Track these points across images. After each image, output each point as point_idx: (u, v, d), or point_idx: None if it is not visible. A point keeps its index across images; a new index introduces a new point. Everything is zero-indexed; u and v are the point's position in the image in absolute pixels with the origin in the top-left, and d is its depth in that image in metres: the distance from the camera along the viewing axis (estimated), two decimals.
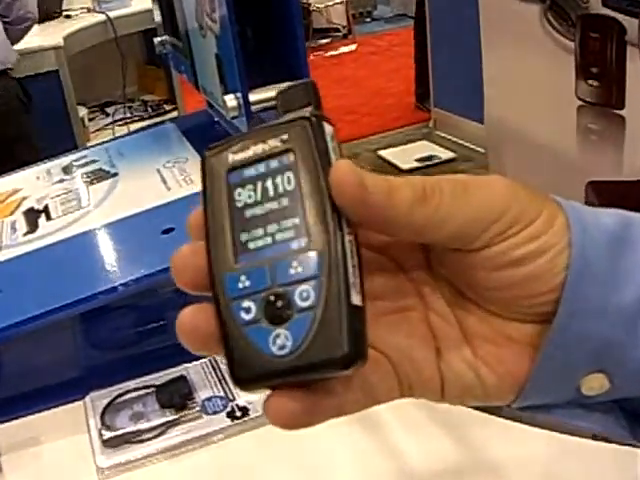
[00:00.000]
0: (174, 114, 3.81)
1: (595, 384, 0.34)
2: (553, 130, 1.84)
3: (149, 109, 3.91)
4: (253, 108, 0.87)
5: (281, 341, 0.30)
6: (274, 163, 0.33)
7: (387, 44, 6.61)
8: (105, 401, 0.88)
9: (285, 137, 0.33)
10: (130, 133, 3.42)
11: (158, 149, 1.29)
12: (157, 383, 0.89)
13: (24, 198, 1.23)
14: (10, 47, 2.68)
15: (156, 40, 1.32)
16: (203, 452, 0.82)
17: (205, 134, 1.31)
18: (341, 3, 6.91)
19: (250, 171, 0.33)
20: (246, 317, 0.31)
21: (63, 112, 3.20)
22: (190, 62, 1.13)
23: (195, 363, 0.92)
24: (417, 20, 4.57)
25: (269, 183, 0.32)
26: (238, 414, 0.84)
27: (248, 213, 0.33)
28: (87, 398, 0.89)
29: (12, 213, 1.18)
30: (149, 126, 3.49)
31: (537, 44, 1.77)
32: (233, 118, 0.88)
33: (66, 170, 1.30)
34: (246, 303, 0.31)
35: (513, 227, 0.32)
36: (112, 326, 1.00)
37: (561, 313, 0.33)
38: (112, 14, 3.53)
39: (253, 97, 0.87)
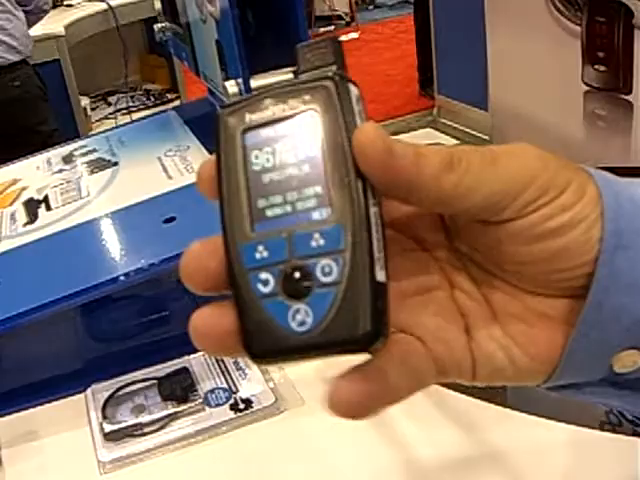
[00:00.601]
0: (176, 103, 3.79)
1: (628, 361, 0.33)
2: (559, 116, 1.82)
3: (151, 98, 3.89)
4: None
5: (301, 317, 0.29)
6: (295, 125, 0.30)
7: (390, 31, 6.58)
8: (106, 394, 0.87)
9: (307, 97, 0.31)
10: (132, 122, 3.41)
11: (159, 137, 1.27)
12: (159, 375, 0.88)
13: (24, 188, 1.21)
14: (30, 36, 2.71)
15: (156, 27, 1.30)
16: (206, 445, 0.80)
17: (207, 122, 1.29)
18: None
19: (269, 132, 0.31)
20: (264, 289, 0.30)
21: (65, 102, 3.18)
22: (191, 48, 1.11)
23: (197, 354, 0.90)
24: (417, 5, 4.54)
25: (289, 146, 0.30)
26: (241, 406, 0.82)
27: (266, 178, 0.30)
28: (88, 391, 0.88)
29: (12, 203, 1.17)
30: (152, 115, 3.50)
31: (543, 29, 1.75)
32: None
33: (66, 159, 1.29)
34: (264, 275, 0.30)
35: (543, 196, 0.31)
36: (113, 317, 0.99)
37: (595, 289, 0.31)
38: (113, 2, 3.52)
39: (254, 83, 0.85)
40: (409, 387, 0.32)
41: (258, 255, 0.30)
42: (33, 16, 2.75)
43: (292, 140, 0.30)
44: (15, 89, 2.58)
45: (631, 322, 0.32)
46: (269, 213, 0.30)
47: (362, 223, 0.29)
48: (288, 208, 0.30)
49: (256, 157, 0.31)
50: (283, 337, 0.29)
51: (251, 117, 0.31)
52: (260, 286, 0.30)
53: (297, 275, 0.29)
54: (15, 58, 2.57)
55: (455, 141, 3.86)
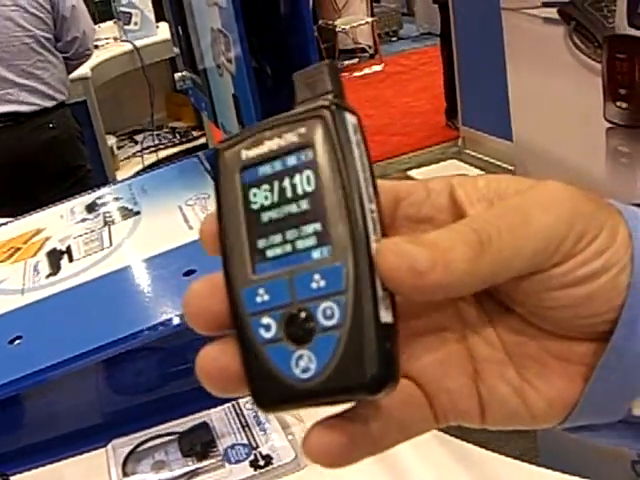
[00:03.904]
0: (202, 140, 3.83)
1: None
2: (582, 152, 1.81)
3: (177, 136, 3.93)
4: None
5: (304, 363, 0.28)
6: (291, 160, 0.29)
7: (414, 63, 6.61)
8: (127, 449, 0.87)
9: (302, 130, 0.30)
10: (159, 161, 3.46)
11: (180, 185, 1.28)
12: (179, 430, 0.88)
13: (47, 238, 1.23)
14: (67, 79, 2.78)
15: (177, 76, 1.32)
16: None
17: None
18: (367, 24, 6.92)
19: (265, 169, 0.30)
20: (266, 335, 0.29)
21: (92, 141, 3.22)
22: (209, 99, 1.13)
23: (218, 409, 0.90)
24: (442, 36, 4.57)
25: (286, 183, 0.29)
26: (261, 463, 0.82)
27: (265, 217, 0.30)
28: (109, 446, 0.88)
29: (35, 254, 1.18)
30: (178, 153, 3.53)
31: (563, 66, 1.75)
32: None
33: (89, 208, 1.30)
34: (265, 320, 0.29)
35: (578, 244, 0.30)
36: (134, 370, 0.99)
37: (618, 334, 0.30)
38: (138, 43, 3.57)
39: None
40: (395, 438, 0.31)
41: (259, 299, 0.29)
42: (74, 62, 2.80)
43: (289, 176, 0.30)
44: (51, 130, 2.62)
45: None
46: (269, 254, 0.29)
47: (364, 261, 0.28)
48: (288, 248, 0.29)
49: (254, 195, 0.30)
50: (288, 385, 0.28)
51: (247, 154, 0.31)
52: (262, 331, 0.29)
53: (299, 319, 0.28)
54: (49, 104, 2.62)
55: (479, 171, 3.85)
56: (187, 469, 0.82)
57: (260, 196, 0.30)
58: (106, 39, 3.70)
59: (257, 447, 0.84)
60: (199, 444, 0.85)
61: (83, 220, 1.26)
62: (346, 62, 6.86)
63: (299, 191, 0.29)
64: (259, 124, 0.31)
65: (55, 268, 1.11)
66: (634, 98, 1.55)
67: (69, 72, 2.82)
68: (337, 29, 6.74)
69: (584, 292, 0.30)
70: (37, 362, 0.88)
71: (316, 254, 0.29)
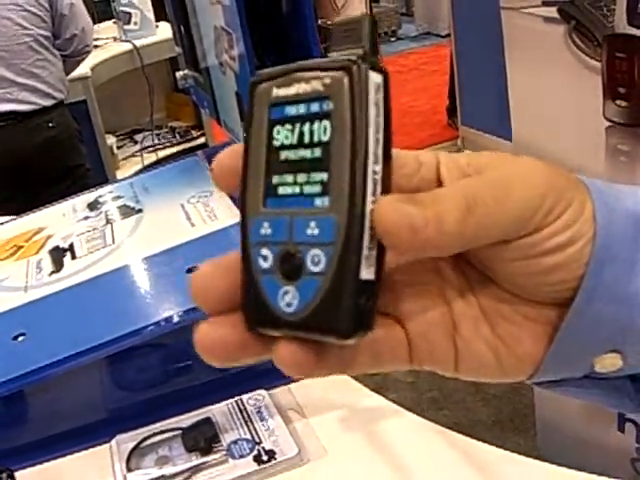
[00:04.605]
0: (202, 140, 3.83)
1: (608, 363, 0.35)
2: (581, 150, 1.82)
3: (177, 135, 3.93)
4: None
5: (289, 298, 0.30)
6: (314, 107, 0.31)
7: (413, 63, 6.61)
8: (131, 445, 0.87)
9: (327, 81, 0.31)
10: (158, 161, 3.46)
11: (182, 183, 1.29)
12: (183, 426, 0.88)
13: (49, 236, 1.23)
14: (66, 78, 2.77)
15: (178, 74, 1.32)
16: None
17: None
18: None
19: (291, 109, 0.31)
20: (263, 265, 0.31)
21: (92, 141, 3.22)
22: (211, 97, 1.13)
23: (221, 404, 0.91)
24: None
25: (306, 127, 0.31)
26: (265, 458, 0.82)
27: (283, 155, 0.31)
28: (113, 441, 0.89)
29: (38, 252, 1.19)
30: (177, 153, 3.53)
31: (563, 65, 1.75)
32: None
33: (91, 207, 1.31)
34: (264, 251, 0.31)
35: (548, 216, 0.32)
36: (137, 366, 1.00)
37: (579, 299, 0.33)
38: (138, 43, 3.57)
39: None
40: (367, 364, 0.34)
41: (263, 231, 0.31)
42: (72, 59, 2.80)
43: (309, 122, 0.31)
44: (50, 130, 2.62)
45: (613, 329, 0.33)
46: (280, 191, 0.31)
47: (356, 218, 0.30)
48: (296, 189, 0.31)
49: (278, 133, 0.32)
50: (272, 313, 0.31)
51: (278, 92, 0.32)
52: (260, 261, 0.31)
53: (291, 258, 0.31)
54: (48, 103, 2.62)
55: None
56: (191, 464, 0.83)
57: (282, 134, 0.31)
58: (106, 39, 3.69)
59: (260, 442, 0.84)
60: (202, 439, 0.86)
61: (85, 218, 1.26)
62: None
63: (315, 138, 0.31)
64: (293, 64, 0.32)
65: (58, 265, 1.11)
66: (633, 97, 1.55)
67: (69, 69, 2.83)
68: None
69: (552, 262, 0.32)
70: (41, 358, 0.88)
71: (318, 202, 0.30)
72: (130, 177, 1.45)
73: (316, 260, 0.30)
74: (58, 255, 1.15)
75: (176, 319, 0.88)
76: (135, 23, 3.65)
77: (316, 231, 0.30)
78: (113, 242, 1.13)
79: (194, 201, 1.18)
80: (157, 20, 3.66)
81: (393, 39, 7.60)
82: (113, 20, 3.79)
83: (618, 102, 1.59)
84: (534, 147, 1.93)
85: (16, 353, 0.92)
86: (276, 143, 0.32)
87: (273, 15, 0.92)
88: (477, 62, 3.80)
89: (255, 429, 0.86)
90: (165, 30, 3.53)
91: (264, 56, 0.92)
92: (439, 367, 0.36)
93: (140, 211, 1.21)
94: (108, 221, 1.22)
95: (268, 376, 0.96)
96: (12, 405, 0.92)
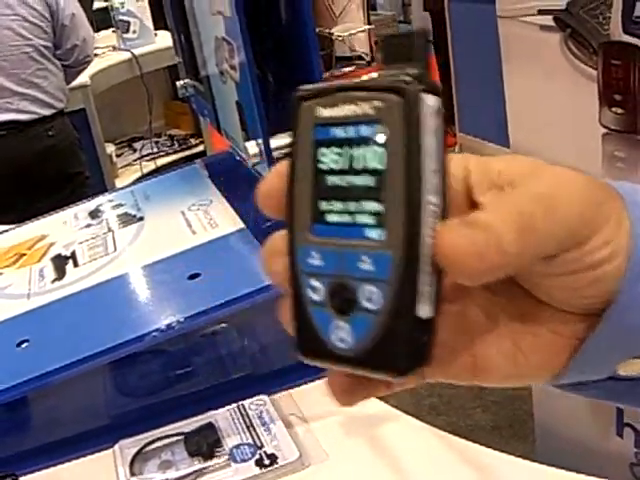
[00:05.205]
0: (200, 148, 3.84)
1: (633, 367, 0.35)
2: (578, 157, 1.83)
3: (176, 144, 3.95)
4: (275, 154, 0.88)
5: (341, 334, 0.30)
6: (364, 130, 0.29)
7: None
8: (134, 450, 0.88)
9: (379, 104, 0.29)
10: (157, 169, 3.47)
11: (183, 191, 1.30)
12: (185, 430, 0.89)
13: (51, 244, 1.24)
14: (66, 87, 2.79)
15: (179, 84, 1.33)
16: None
17: (230, 176, 1.32)
18: (363, 31, 6.94)
19: (338, 132, 0.30)
20: (313, 296, 0.31)
21: (91, 149, 3.23)
22: (212, 106, 1.14)
23: (223, 410, 0.92)
24: (435, 44, 4.59)
25: (356, 152, 0.29)
26: (267, 462, 0.83)
27: (330, 180, 0.30)
28: (116, 447, 0.89)
29: (40, 259, 1.20)
30: (176, 161, 3.54)
31: (559, 72, 1.77)
32: (254, 165, 0.89)
33: (93, 214, 1.32)
34: (315, 282, 0.30)
35: (588, 232, 0.31)
36: (140, 373, 1.01)
37: (612, 313, 0.33)
38: (137, 51, 3.58)
39: (274, 143, 0.88)
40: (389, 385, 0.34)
41: (312, 261, 0.31)
42: (74, 69, 2.82)
43: (359, 146, 0.29)
44: (50, 138, 2.63)
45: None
46: (328, 217, 0.30)
47: (413, 254, 0.28)
48: (347, 217, 0.30)
49: (324, 155, 0.30)
50: (324, 346, 0.30)
51: (323, 112, 0.30)
52: (310, 292, 0.31)
53: (342, 292, 0.30)
54: (48, 113, 2.63)
55: None
56: (193, 468, 0.84)
57: (329, 158, 0.30)
58: (105, 48, 3.71)
59: (262, 446, 0.85)
60: (205, 444, 0.87)
61: (87, 226, 1.27)
62: (343, 69, 6.88)
63: (366, 165, 0.29)
64: (337, 83, 0.31)
65: (60, 273, 1.12)
66: (629, 104, 1.56)
67: (70, 79, 2.84)
68: (334, 37, 6.76)
69: (592, 277, 0.32)
70: (44, 365, 0.89)
71: (370, 234, 0.29)
72: (129, 185, 1.46)
73: (370, 297, 0.29)
74: (60, 263, 1.16)
75: (177, 326, 0.89)
76: (134, 32, 3.67)
77: (370, 266, 0.29)
78: (115, 250, 1.14)
79: (195, 209, 1.19)
80: (156, 29, 3.68)
81: None
82: (112, 29, 3.81)
83: (614, 109, 1.60)
84: (532, 154, 1.93)
85: (20, 360, 0.93)
86: (323, 166, 0.30)
87: (273, 25, 0.93)
88: (474, 70, 3.81)
89: (257, 434, 0.87)
90: (164, 38, 3.55)
91: (264, 65, 0.93)
92: (457, 379, 0.35)
93: (141, 219, 1.22)
94: (109, 229, 1.23)
95: (269, 382, 0.97)
96: (16, 411, 0.93)
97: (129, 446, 0.89)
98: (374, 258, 0.29)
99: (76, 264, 1.13)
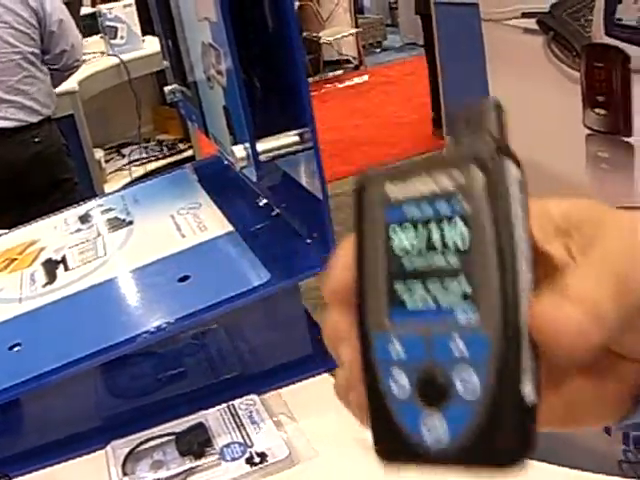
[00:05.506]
0: (189, 152, 3.85)
1: None
2: (563, 158, 1.85)
3: (164, 149, 3.95)
4: (262, 157, 0.89)
5: (435, 429, 0.27)
6: (442, 207, 0.27)
7: (398, 73, 6.66)
8: (126, 450, 0.90)
9: (457, 176, 0.27)
10: (146, 174, 3.48)
11: (172, 195, 1.31)
12: (176, 431, 0.91)
13: (42, 249, 1.25)
14: (54, 93, 2.79)
15: (166, 89, 1.35)
16: None
17: (218, 179, 1.33)
18: (351, 35, 6.97)
19: (412, 210, 0.27)
20: (396, 390, 0.27)
21: (80, 155, 3.24)
22: (200, 111, 1.16)
23: (213, 410, 0.93)
24: (426, 47, 4.63)
25: (434, 231, 0.27)
26: (256, 460, 0.85)
27: (407, 261, 0.28)
28: (108, 447, 0.91)
29: (31, 264, 1.21)
30: (165, 166, 3.55)
31: (542, 75, 1.79)
32: (242, 168, 0.90)
33: (83, 219, 1.33)
34: (398, 374, 0.27)
35: None
36: (131, 374, 1.02)
37: None
38: (125, 57, 3.59)
39: (261, 147, 0.89)
40: None
41: (392, 350, 0.28)
42: (62, 74, 2.82)
43: (438, 224, 0.27)
44: (37, 145, 2.64)
45: None
46: (408, 302, 0.28)
47: (513, 334, 0.26)
48: (430, 302, 0.27)
49: (397, 236, 0.28)
50: (412, 444, 0.27)
51: (394, 190, 0.28)
52: (393, 385, 0.27)
53: (434, 382, 0.27)
54: (35, 119, 2.63)
55: None
56: (185, 467, 0.85)
57: (404, 238, 0.28)
58: (93, 53, 3.71)
59: (252, 445, 0.87)
60: (196, 444, 0.88)
61: (77, 230, 1.28)
62: (331, 73, 6.90)
63: (448, 243, 0.27)
64: (409, 161, 0.28)
65: (51, 277, 1.13)
66: (612, 105, 1.59)
67: (58, 82, 2.84)
68: (321, 41, 6.78)
69: None
70: (36, 367, 0.91)
71: (461, 316, 0.27)
72: (119, 190, 1.48)
73: (468, 385, 0.26)
74: (51, 267, 1.17)
75: (168, 327, 0.91)
76: (122, 37, 3.68)
77: (465, 351, 0.26)
78: (105, 253, 1.15)
79: (184, 212, 1.20)
80: (143, 34, 3.68)
81: (378, 50, 7.66)
82: (100, 35, 3.81)
83: (597, 110, 1.62)
84: (517, 155, 1.96)
85: (12, 363, 0.95)
86: (397, 248, 0.28)
87: (259, 30, 0.95)
88: (460, 73, 3.84)
89: (247, 433, 0.89)
90: (151, 44, 3.55)
91: (251, 70, 0.95)
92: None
93: (131, 223, 1.24)
94: (99, 233, 1.24)
95: (259, 381, 0.98)
96: (8, 413, 0.94)
97: (121, 446, 0.90)
98: (469, 341, 0.26)
99: (67, 268, 1.14)
